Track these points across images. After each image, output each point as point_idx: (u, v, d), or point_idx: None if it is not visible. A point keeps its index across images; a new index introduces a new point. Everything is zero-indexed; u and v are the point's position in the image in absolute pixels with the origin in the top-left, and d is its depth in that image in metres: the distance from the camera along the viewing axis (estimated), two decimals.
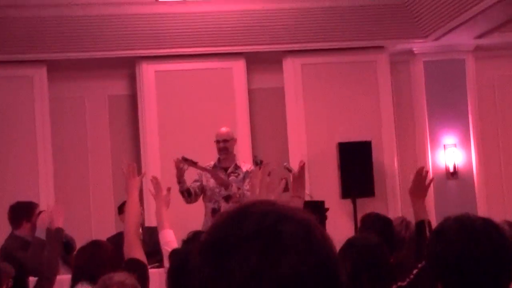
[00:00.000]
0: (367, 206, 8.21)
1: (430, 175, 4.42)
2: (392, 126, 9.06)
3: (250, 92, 9.02)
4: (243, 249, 1.07)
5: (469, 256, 2.05)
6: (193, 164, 6.83)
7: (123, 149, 8.93)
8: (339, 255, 1.53)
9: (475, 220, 2.13)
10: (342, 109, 8.96)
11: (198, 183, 7.05)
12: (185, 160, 6.75)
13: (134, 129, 9.03)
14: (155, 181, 4.39)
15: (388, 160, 8.96)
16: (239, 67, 9.00)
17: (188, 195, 6.95)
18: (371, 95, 9.05)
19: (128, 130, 9.09)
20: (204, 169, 6.83)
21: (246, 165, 7.12)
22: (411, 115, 9.44)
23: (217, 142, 7.13)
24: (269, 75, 9.13)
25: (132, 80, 9.02)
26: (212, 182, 7.01)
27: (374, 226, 4.73)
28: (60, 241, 5.43)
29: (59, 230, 5.34)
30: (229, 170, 7.08)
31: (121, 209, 6.85)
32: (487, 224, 2.12)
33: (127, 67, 8.93)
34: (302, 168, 3.71)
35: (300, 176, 3.69)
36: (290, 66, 8.99)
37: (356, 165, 8.61)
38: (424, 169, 3.74)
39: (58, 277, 5.54)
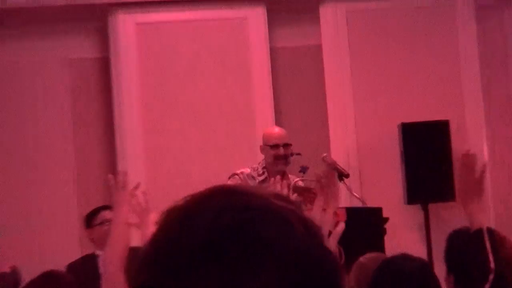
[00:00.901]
0: (444, 215, 7.56)
1: (483, 162, 4.31)
2: (479, 98, 8.03)
3: (273, 51, 8.08)
4: (197, 263, 0.94)
5: None
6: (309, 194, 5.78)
7: (91, 133, 8.19)
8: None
9: None
10: (406, 75, 7.97)
11: None
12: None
13: (106, 106, 8.17)
14: (140, 201, 4.12)
15: (474, 147, 7.34)
16: (257, 16, 7.99)
17: None
18: (447, 54, 8.01)
19: (97, 107, 8.25)
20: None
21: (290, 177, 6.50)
22: (505, 83, 8.12)
23: (274, 147, 6.34)
24: (300, 28, 8.15)
25: (104, 37, 8.10)
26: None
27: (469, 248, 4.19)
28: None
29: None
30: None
31: (89, 221, 6.42)
32: None
33: (96, 19, 7.95)
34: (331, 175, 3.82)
35: (330, 182, 3.55)
36: (330, 14, 7.95)
37: (427, 156, 7.71)
38: (470, 155, 3.54)
39: None
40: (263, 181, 6.31)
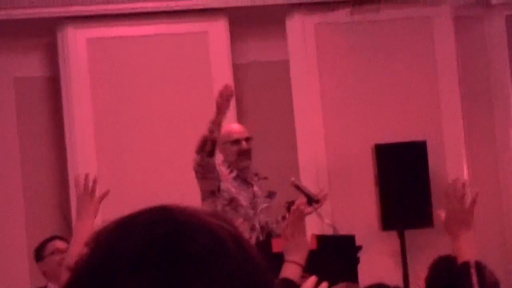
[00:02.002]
0: (421, 241, 7.49)
1: (472, 191, 4.12)
2: (458, 117, 7.87)
3: (236, 68, 7.82)
4: (130, 275, 0.96)
5: None
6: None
7: (40, 156, 7.87)
8: None
9: None
10: (379, 93, 7.76)
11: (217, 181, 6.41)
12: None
13: (55, 126, 7.88)
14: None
15: (452, 169, 7.72)
16: (218, 30, 7.77)
17: (210, 153, 6.13)
18: (424, 69, 7.84)
19: (46, 128, 7.97)
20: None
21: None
22: (487, 99, 8.16)
23: (237, 142, 6.21)
24: (265, 43, 7.96)
25: (53, 53, 7.83)
26: (244, 198, 6.41)
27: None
28: None
29: None
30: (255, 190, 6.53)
31: (39, 253, 6.22)
32: None
33: (45, 34, 7.69)
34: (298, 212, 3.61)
35: (298, 218, 3.47)
36: (298, 27, 7.75)
37: (403, 179, 7.56)
38: (460, 182, 3.47)
39: None
40: (236, 178, 6.26)
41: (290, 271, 3.24)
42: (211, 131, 6.05)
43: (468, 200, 3.71)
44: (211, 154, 6.08)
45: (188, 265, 0.92)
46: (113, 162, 7.64)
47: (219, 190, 6.24)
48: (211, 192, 6.24)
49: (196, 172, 6.21)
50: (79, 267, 0.94)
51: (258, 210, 6.31)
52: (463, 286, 3.20)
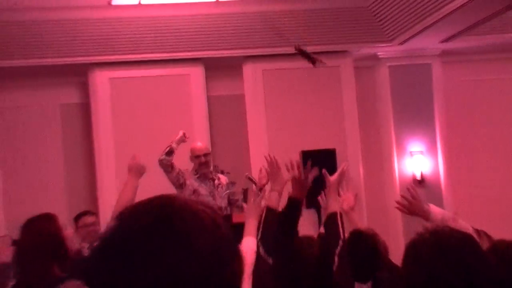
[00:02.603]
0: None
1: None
2: (357, 133, 8.92)
3: (210, 99, 8.84)
4: (124, 256, 1.08)
5: (441, 279, 1.98)
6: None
7: (77, 159, 8.77)
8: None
9: (452, 238, 2.04)
10: (305, 116, 8.78)
11: (181, 177, 7.05)
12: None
13: (87, 138, 8.78)
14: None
15: (353, 168, 8.69)
16: (197, 73, 8.77)
17: (169, 153, 6.94)
18: (335, 101, 8.89)
19: (81, 140, 8.86)
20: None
21: (220, 176, 7.26)
22: (376, 122, 9.32)
23: (198, 157, 7.06)
24: (229, 82, 8.97)
25: (85, 87, 8.73)
26: (204, 189, 7.06)
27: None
28: None
29: None
30: (216, 183, 7.17)
31: (78, 219, 6.60)
32: (465, 243, 2.04)
33: (80, 74, 8.60)
34: (272, 164, 3.76)
35: (273, 171, 3.72)
36: (251, 72, 8.77)
37: (320, 174, 8.20)
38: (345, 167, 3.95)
39: None
40: (198, 177, 7.02)
41: (273, 198, 3.56)
42: (175, 144, 6.94)
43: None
44: (169, 155, 6.89)
45: (177, 237, 1.08)
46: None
47: (185, 184, 6.95)
48: (179, 185, 6.94)
49: (162, 167, 6.89)
50: (106, 235, 1.11)
51: (222, 196, 7.08)
52: (331, 229, 3.53)
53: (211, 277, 1.08)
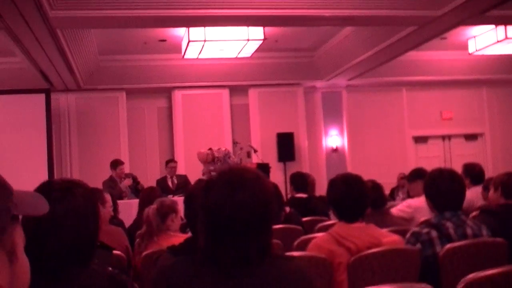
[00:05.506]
0: (291, 166, 12.54)
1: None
2: (304, 123, 13.69)
3: (231, 107, 13.46)
4: (217, 185, 1.71)
5: (346, 196, 3.12)
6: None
7: (164, 145, 12.94)
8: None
9: (353, 176, 3.22)
10: (269, 118, 13.71)
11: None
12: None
13: (170, 131, 13.39)
14: None
15: (303, 143, 13.61)
16: (225, 93, 13.35)
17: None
18: (291, 114, 13.81)
19: (167, 131, 13.31)
20: None
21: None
22: (321, 124, 14.07)
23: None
24: (241, 98, 13.53)
25: (170, 99, 13.45)
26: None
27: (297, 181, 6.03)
28: None
29: None
30: None
31: (168, 162, 9.97)
32: (358, 177, 3.22)
33: (167, 91, 13.28)
34: None
35: None
36: (252, 93, 13.48)
37: (286, 145, 13.30)
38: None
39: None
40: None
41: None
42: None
43: None
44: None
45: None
46: (192, 152, 11.18)
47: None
48: None
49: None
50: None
51: None
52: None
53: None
